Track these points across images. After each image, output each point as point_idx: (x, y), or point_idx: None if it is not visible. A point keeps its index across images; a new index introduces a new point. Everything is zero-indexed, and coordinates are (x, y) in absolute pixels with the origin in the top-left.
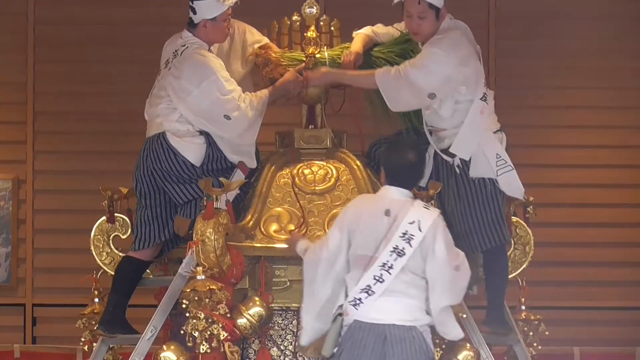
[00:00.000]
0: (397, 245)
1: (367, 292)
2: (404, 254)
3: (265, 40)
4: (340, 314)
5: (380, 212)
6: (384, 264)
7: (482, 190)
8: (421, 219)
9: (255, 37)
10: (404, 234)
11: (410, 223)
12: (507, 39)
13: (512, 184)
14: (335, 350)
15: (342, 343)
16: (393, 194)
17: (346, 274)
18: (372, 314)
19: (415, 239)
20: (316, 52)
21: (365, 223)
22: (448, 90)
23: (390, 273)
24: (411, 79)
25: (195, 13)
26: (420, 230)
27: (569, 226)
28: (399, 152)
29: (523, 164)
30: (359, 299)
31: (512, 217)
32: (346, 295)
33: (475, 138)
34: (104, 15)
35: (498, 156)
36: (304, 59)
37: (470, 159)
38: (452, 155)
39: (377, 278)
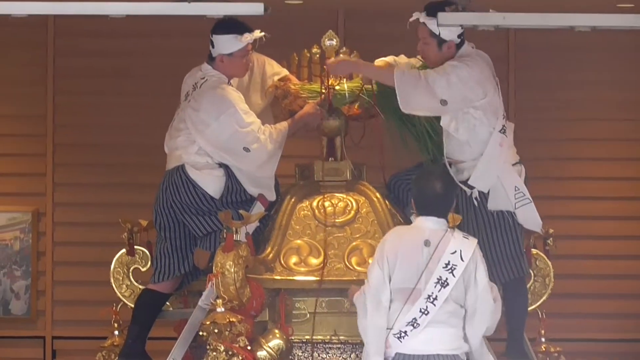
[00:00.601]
0: (440, 276)
1: (412, 325)
2: (448, 284)
3: (285, 72)
4: None
5: (420, 243)
6: (429, 295)
7: (501, 223)
8: (462, 249)
9: (274, 69)
10: (447, 264)
11: (452, 253)
12: (527, 71)
13: (530, 217)
14: None
15: None
16: (430, 225)
17: None
18: (415, 345)
19: (458, 269)
20: (336, 84)
21: (405, 255)
22: (461, 104)
23: (434, 304)
24: (429, 82)
25: (213, 47)
26: (462, 259)
27: (589, 258)
28: (430, 183)
29: (543, 196)
30: (405, 332)
31: (532, 250)
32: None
33: (494, 171)
34: (124, 47)
35: (516, 189)
36: (324, 91)
37: (488, 192)
38: (471, 187)
39: (422, 310)
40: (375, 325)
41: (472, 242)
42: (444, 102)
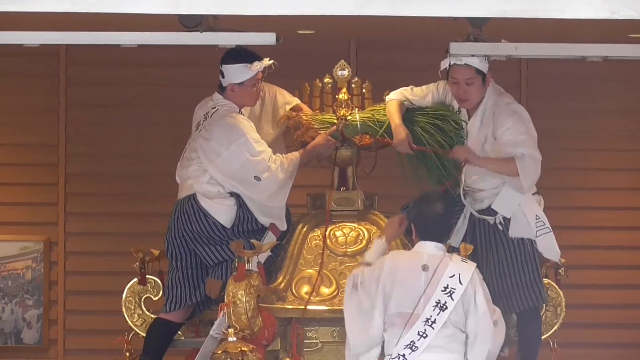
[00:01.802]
0: (439, 300)
1: (410, 348)
2: (447, 307)
3: (296, 101)
4: None
5: (418, 268)
6: (427, 319)
7: (521, 251)
8: (461, 272)
9: (285, 99)
10: (445, 287)
11: (451, 277)
12: (538, 100)
13: (549, 246)
14: None
15: None
16: (429, 249)
17: (384, 332)
18: None
19: (456, 292)
20: (347, 114)
21: (402, 280)
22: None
23: (433, 328)
24: (535, 158)
25: (223, 77)
26: (461, 283)
27: (600, 288)
28: (427, 205)
29: (554, 226)
30: (402, 355)
31: (544, 279)
32: (383, 354)
33: (517, 197)
34: (135, 76)
35: (537, 217)
36: (335, 121)
37: (509, 220)
38: (493, 214)
39: (420, 333)
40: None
41: (471, 265)
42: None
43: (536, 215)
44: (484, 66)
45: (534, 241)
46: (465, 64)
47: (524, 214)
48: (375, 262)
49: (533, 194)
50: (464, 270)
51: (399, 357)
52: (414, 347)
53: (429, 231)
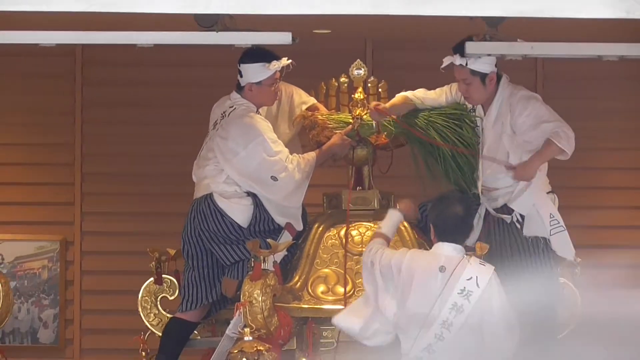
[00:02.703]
0: (456, 302)
1: (427, 351)
2: (463, 310)
3: (313, 100)
4: None
5: (435, 269)
6: (444, 321)
7: (535, 250)
8: (478, 275)
9: (302, 99)
10: (462, 290)
11: (468, 279)
12: (554, 99)
13: (564, 245)
14: None
15: None
16: (447, 251)
17: (399, 332)
18: None
19: (473, 295)
20: (363, 113)
21: (420, 281)
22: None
23: (449, 330)
24: (560, 125)
25: (241, 76)
26: (478, 286)
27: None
28: (447, 207)
29: (570, 225)
30: (420, 358)
31: (560, 278)
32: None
33: (532, 195)
34: (151, 76)
35: (552, 216)
36: (351, 120)
37: (524, 218)
38: (509, 212)
39: (437, 336)
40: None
41: (489, 269)
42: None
43: (550, 214)
44: (481, 67)
45: (548, 240)
46: (460, 64)
47: (538, 212)
48: (389, 251)
49: (547, 193)
50: (482, 273)
51: None
52: (431, 350)
53: (448, 232)
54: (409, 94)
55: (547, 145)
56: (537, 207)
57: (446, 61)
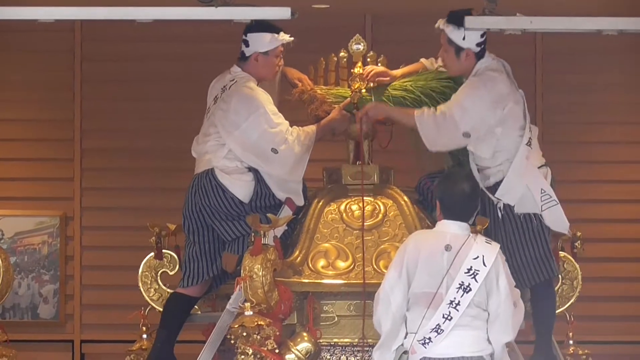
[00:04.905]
0: (462, 282)
1: (436, 331)
2: (470, 289)
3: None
4: (405, 352)
5: (440, 248)
6: (452, 301)
7: (528, 226)
8: (485, 254)
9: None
10: (469, 269)
11: (475, 258)
12: (553, 74)
13: (557, 219)
14: None
15: None
16: (452, 229)
17: (406, 311)
18: (441, 349)
19: (480, 274)
20: (362, 87)
21: (426, 260)
22: (483, 130)
23: (457, 310)
24: (447, 118)
25: (247, 46)
26: (484, 265)
27: (617, 261)
28: (455, 184)
29: (570, 200)
30: (429, 338)
31: (560, 252)
32: (406, 331)
33: (522, 183)
34: (151, 52)
35: (543, 191)
36: (350, 94)
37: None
38: (498, 198)
39: (445, 316)
40: (380, 325)
41: (495, 247)
42: (466, 135)
43: (541, 189)
44: (457, 39)
45: (541, 215)
46: (442, 29)
47: (529, 189)
48: None
49: (540, 167)
50: (488, 251)
51: (425, 340)
52: (439, 330)
53: (454, 210)
54: (420, 65)
55: (408, 115)
56: (528, 184)
57: (437, 23)
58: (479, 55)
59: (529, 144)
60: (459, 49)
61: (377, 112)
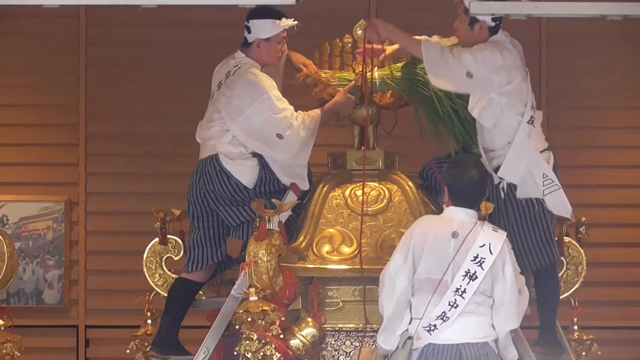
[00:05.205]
0: (469, 269)
1: (442, 319)
2: (477, 277)
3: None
4: (410, 338)
5: (447, 234)
6: (457, 289)
7: (530, 211)
8: (492, 242)
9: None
10: (475, 257)
11: (481, 246)
12: (558, 59)
13: (559, 203)
14: None
15: None
16: (459, 216)
17: (411, 297)
18: (446, 335)
19: (486, 262)
20: (368, 69)
21: (432, 246)
22: (485, 83)
23: (463, 297)
24: (454, 54)
25: (249, 32)
26: (491, 253)
27: (622, 246)
28: (464, 171)
29: (575, 185)
30: (434, 325)
31: (565, 237)
32: (411, 316)
33: (523, 161)
34: (156, 37)
35: (544, 176)
36: (354, 78)
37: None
38: (501, 178)
39: (451, 304)
40: (384, 309)
41: (501, 235)
42: (469, 75)
43: (543, 173)
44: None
45: (543, 200)
46: None
47: (531, 174)
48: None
49: (542, 152)
50: (495, 239)
51: (431, 327)
52: (445, 318)
53: (462, 197)
54: (423, 38)
55: (415, 43)
56: (530, 168)
57: None
58: (493, 31)
59: (530, 122)
60: (474, 20)
61: (385, 30)
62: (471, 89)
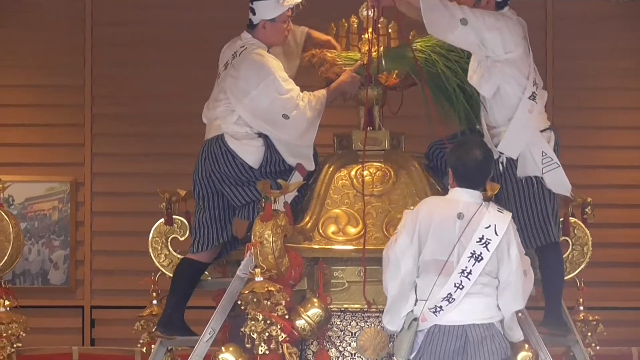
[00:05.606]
0: (474, 251)
1: (448, 300)
2: (482, 258)
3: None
4: (415, 319)
5: (453, 215)
6: (463, 270)
7: (529, 189)
8: (497, 223)
9: (298, 29)
10: (481, 238)
11: (487, 227)
12: (564, 40)
13: (558, 181)
14: (412, 356)
15: (422, 348)
16: (465, 197)
17: (416, 277)
18: (452, 316)
19: (492, 243)
20: (374, 49)
21: (437, 227)
22: (479, 36)
23: (469, 279)
24: (454, 3)
25: (254, 14)
26: (496, 234)
27: (627, 227)
28: (468, 152)
29: (580, 165)
30: (440, 307)
31: (570, 218)
32: (416, 297)
33: (524, 136)
34: (162, 17)
35: (544, 154)
36: (360, 57)
37: (517, 159)
38: (500, 153)
39: (457, 285)
40: (388, 290)
41: (507, 216)
42: (464, 22)
43: (542, 152)
44: None
45: (542, 178)
46: None
47: (530, 152)
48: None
49: (543, 131)
50: (500, 220)
51: (436, 309)
52: (451, 299)
53: (467, 178)
54: None
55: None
56: (529, 146)
57: None
58: (500, 6)
59: (532, 97)
60: None
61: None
62: (463, 37)
